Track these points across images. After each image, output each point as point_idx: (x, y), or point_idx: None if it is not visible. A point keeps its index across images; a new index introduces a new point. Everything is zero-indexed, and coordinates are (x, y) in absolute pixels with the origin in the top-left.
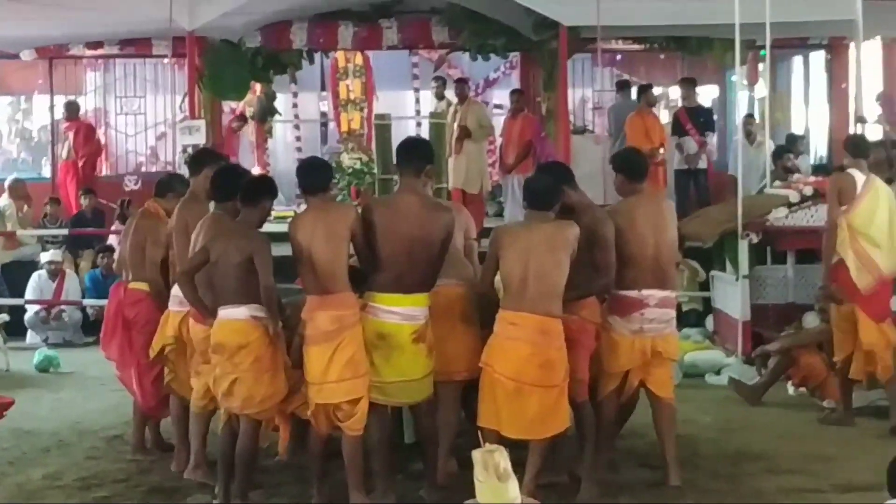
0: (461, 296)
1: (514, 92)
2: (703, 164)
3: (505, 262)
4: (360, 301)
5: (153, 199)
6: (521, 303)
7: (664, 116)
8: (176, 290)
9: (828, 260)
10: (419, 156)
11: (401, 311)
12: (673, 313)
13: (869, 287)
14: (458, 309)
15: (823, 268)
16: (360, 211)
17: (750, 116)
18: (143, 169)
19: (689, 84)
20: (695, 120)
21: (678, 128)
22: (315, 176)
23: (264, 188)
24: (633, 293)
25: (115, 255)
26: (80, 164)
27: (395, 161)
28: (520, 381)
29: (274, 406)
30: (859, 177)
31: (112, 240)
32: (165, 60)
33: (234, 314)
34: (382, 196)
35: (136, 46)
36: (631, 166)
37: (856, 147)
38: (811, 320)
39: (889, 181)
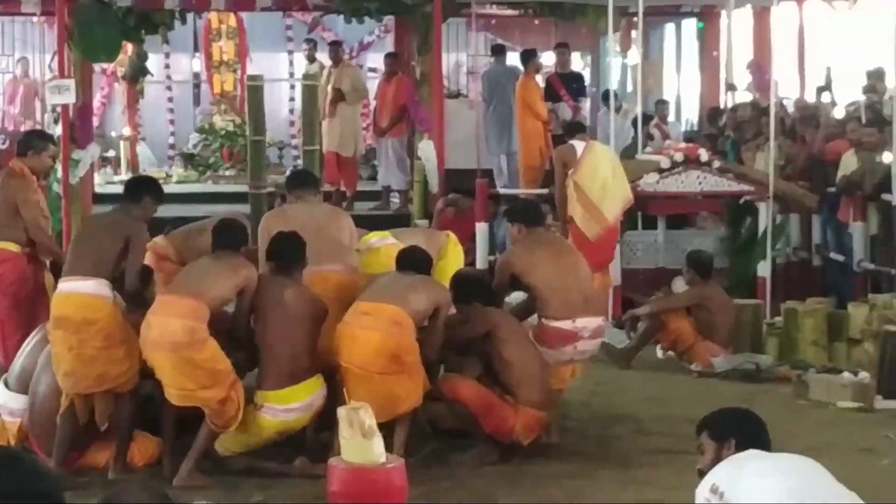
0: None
1: (388, 55)
2: None
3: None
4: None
5: (16, 157)
6: None
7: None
8: (4, 400)
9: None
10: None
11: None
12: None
13: (597, 235)
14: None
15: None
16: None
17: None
18: (11, 128)
19: (563, 50)
20: (568, 86)
21: (552, 93)
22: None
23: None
24: (564, 324)
25: None
26: None
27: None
28: None
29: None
30: (579, 145)
31: None
32: (35, 19)
33: (80, 287)
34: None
35: (5, 4)
36: (527, 214)
37: (573, 127)
38: (680, 285)
39: (757, 147)
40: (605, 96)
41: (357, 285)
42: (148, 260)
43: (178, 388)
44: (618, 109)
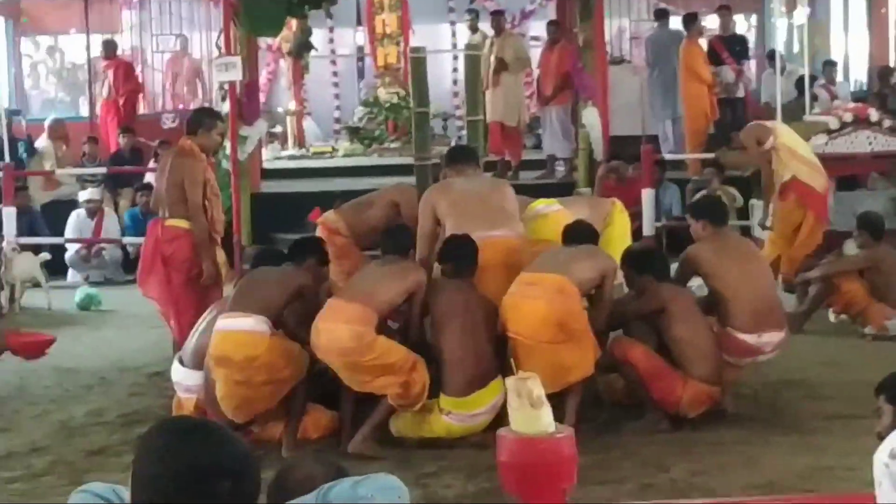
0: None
1: (550, 23)
2: (740, 93)
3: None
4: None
5: (186, 136)
6: None
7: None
8: (180, 377)
9: (770, 193)
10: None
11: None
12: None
13: (824, 187)
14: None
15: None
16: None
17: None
18: (181, 106)
19: (725, 12)
20: (731, 48)
21: (714, 57)
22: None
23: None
24: (749, 337)
25: (153, 194)
26: (121, 102)
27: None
28: None
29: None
30: (769, 124)
31: (150, 178)
32: None
33: (239, 325)
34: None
35: None
36: (714, 213)
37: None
38: (851, 247)
39: None
40: (771, 56)
41: (524, 250)
42: (320, 233)
43: (355, 382)
44: (782, 71)
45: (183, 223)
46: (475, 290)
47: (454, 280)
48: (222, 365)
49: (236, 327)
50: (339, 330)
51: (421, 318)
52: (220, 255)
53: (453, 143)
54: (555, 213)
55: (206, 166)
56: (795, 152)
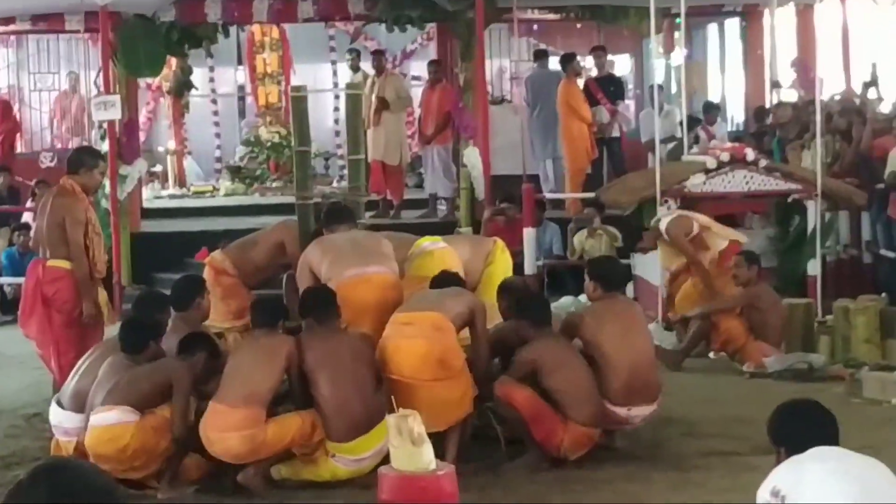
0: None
1: (431, 63)
2: (615, 133)
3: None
4: None
5: (67, 175)
6: None
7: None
8: (59, 420)
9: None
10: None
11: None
12: None
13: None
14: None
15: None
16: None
17: (659, 87)
18: (59, 146)
19: (599, 53)
20: (605, 89)
21: (589, 97)
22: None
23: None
24: (619, 410)
25: (31, 233)
26: None
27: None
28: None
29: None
30: (685, 213)
31: (27, 217)
32: (78, 36)
33: (102, 420)
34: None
35: (49, 22)
36: (609, 277)
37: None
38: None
39: (802, 146)
40: (706, 107)
41: (399, 286)
42: (206, 275)
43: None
44: (660, 109)
45: (64, 263)
46: (344, 335)
47: (318, 329)
48: (100, 460)
49: (103, 423)
50: (230, 439)
51: (300, 380)
52: (102, 296)
53: (335, 184)
54: (440, 251)
55: (88, 205)
56: (711, 224)
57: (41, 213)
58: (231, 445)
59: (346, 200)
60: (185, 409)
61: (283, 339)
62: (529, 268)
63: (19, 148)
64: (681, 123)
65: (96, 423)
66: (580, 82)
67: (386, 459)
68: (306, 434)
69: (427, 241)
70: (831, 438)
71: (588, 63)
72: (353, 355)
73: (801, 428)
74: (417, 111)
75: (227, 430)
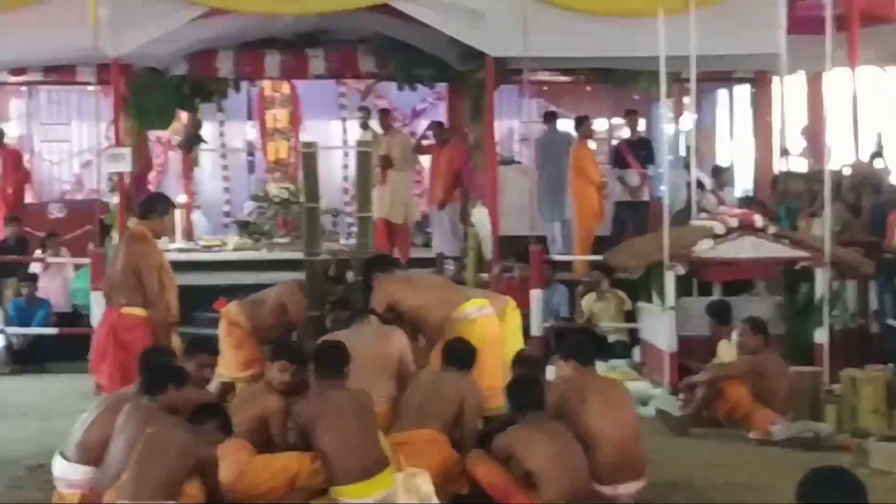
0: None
1: (432, 124)
2: (645, 197)
3: None
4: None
5: (138, 220)
6: None
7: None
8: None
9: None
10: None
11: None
12: None
13: None
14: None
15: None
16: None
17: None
18: (68, 197)
19: (633, 116)
20: (636, 152)
21: (619, 160)
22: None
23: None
24: (605, 489)
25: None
26: (9, 191)
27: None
28: None
29: None
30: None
31: (35, 268)
32: (90, 88)
33: None
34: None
35: (61, 73)
36: (582, 351)
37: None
38: (724, 349)
39: (812, 214)
40: (714, 172)
41: (389, 417)
42: (220, 324)
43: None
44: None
45: (139, 311)
46: (346, 391)
47: (321, 385)
48: None
49: None
50: (222, 470)
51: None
52: (176, 341)
53: (342, 241)
54: (483, 319)
55: (160, 251)
56: None
57: (114, 260)
58: (222, 475)
59: (353, 258)
60: (219, 498)
61: (270, 395)
62: (537, 329)
63: (28, 198)
64: (689, 185)
65: None
66: (592, 145)
67: None
68: (304, 467)
69: (472, 307)
70: None
71: (600, 125)
72: (354, 406)
73: (833, 496)
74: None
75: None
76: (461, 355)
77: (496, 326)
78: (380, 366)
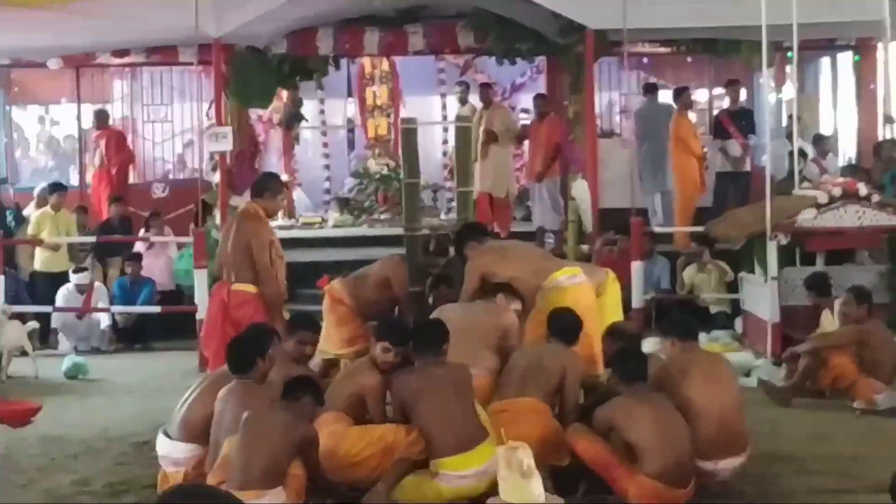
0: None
1: (537, 97)
2: (747, 167)
3: None
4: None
5: (251, 199)
6: None
7: (692, 119)
8: (167, 450)
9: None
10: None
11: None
12: None
13: None
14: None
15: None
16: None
17: (790, 118)
18: (171, 176)
19: (735, 86)
20: (738, 123)
21: (721, 131)
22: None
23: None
24: (706, 464)
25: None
26: (113, 171)
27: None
28: None
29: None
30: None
31: (139, 247)
32: (192, 68)
33: None
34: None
35: (163, 54)
36: (683, 327)
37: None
38: (827, 321)
39: None
40: (816, 140)
41: (490, 390)
42: (324, 302)
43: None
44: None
45: (250, 287)
46: (444, 366)
47: (420, 361)
48: None
49: None
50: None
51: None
52: (285, 316)
53: (442, 216)
54: (574, 287)
55: (272, 229)
56: None
57: (225, 237)
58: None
59: (453, 233)
60: (321, 474)
61: (368, 371)
62: (637, 301)
63: (132, 179)
64: (791, 155)
65: None
66: (692, 116)
67: (494, 489)
68: (401, 440)
69: (563, 276)
70: None
71: (699, 96)
72: (451, 380)
73: None
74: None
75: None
76: (566, 327)
77: (590, 294)
78: (484, 339)
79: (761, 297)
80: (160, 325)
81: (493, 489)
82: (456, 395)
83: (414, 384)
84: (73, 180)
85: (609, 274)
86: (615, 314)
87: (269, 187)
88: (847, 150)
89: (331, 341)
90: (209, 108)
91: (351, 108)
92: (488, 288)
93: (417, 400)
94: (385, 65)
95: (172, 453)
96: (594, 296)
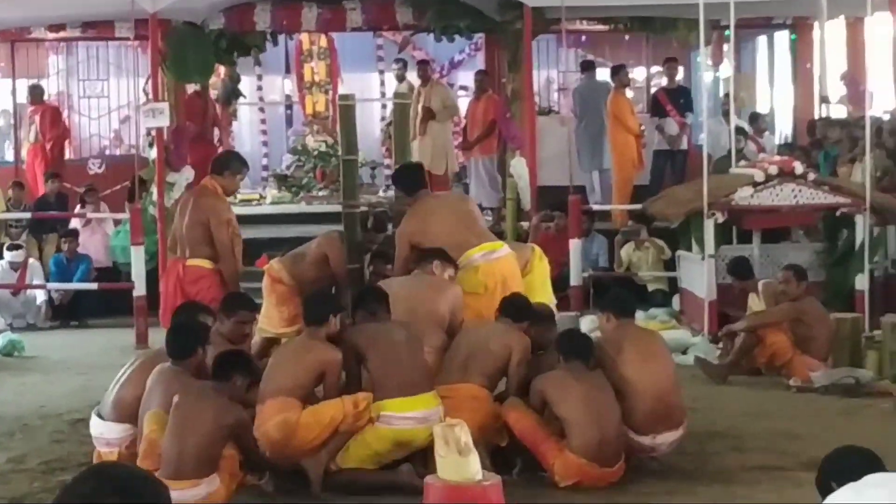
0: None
1: (478, 73)
2: (683, 145)
3: None
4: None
5: (210, 175)
6: None
7: (630, 96)
8: (100, 431)
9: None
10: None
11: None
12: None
13: None
14: None
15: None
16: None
17: (727, 96)
18: (107, 152)
19: (672, 64)
20: (675, 101)
21: (658, 108)
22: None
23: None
24: (644, 439)
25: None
26: (48, 147)
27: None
28: None
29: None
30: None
31: (75, 223)
32: (128, 43)
33: (196, 495)
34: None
35: (99, 29)
36: (620, 303)
37: None
38: (754, 303)
39: (852, 160)
40: (752, 119)
41: (437, 365)
42: (263, 281)
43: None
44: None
45: (205, 263)
46: (394, 323)
47: (371, 320)
48: None
49: (193, 500)
50: (267, 430)
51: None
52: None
53: (381, 193)
54: (487, 264)
55: (229, 206)
56: None
57: (181, 213)
58: (268, 434)
59: (392, 210)
60: (257, 454)
61: (325, 346)
62: (575, 279)
63: (68, 154)
64: (728, 133)
65: (182, 500)
66: (629, 93)
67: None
68: (349, 414)
69: (478, 252)
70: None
71: (637, 74)
72: (402, 331)
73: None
74: (464, 121)
75: (263, 423)
76: (516, 308)
77: (506, 268)
78: (432, 316)
79: (698, 274)
80: (97, 301)
81: (431, 445)
82: (407, 345)
83: (369, 331)
84: (8, 156)
85: (535, 250)
86: (543, 293)
87: (229, 166)
88: (783, 129)
89: (271, 320)
90: (146, 83)
91: (289, 84)
92: (420, 255)
93: (371, 345)
94: (323, 41)
95: (105, 434)
96: (517, 267)
